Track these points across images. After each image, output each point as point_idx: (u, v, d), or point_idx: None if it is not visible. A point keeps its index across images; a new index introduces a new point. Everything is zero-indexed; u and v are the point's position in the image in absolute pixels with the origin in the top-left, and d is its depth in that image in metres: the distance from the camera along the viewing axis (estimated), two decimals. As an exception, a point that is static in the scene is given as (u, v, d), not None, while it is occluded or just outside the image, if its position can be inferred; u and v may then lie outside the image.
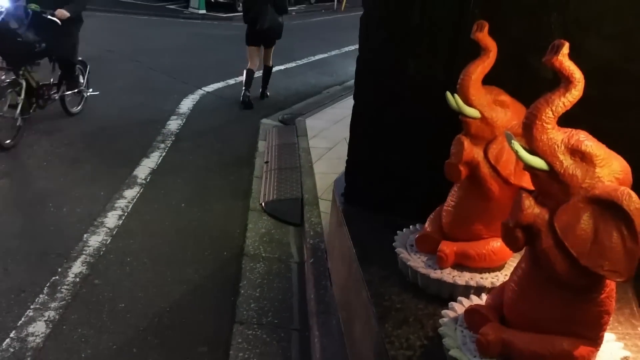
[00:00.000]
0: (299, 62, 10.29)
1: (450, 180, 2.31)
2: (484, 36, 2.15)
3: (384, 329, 2.11)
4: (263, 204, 4.48)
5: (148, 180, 4.79)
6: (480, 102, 2.16)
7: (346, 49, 11.93)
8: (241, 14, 16.28)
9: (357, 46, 3.14)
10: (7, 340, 2.77)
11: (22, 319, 2.93)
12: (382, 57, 2.96)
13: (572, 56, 1.50)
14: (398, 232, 2.59)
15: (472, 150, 2.18)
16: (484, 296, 2.09)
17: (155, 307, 3.13)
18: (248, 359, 2.75)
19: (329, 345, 2.79)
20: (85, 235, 3.79)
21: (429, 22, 2.76)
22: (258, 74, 7.71)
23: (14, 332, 2.83)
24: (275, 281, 3.44)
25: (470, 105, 2.16)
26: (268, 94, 7.94)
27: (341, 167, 3.45)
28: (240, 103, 7.36)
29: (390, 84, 2.95)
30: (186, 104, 7.20)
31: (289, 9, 18.30)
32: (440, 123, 2.57)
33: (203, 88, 8.02)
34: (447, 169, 2.25)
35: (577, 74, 1.51)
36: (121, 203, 4.30)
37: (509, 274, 1.96)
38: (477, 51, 2.17)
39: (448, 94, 2.21)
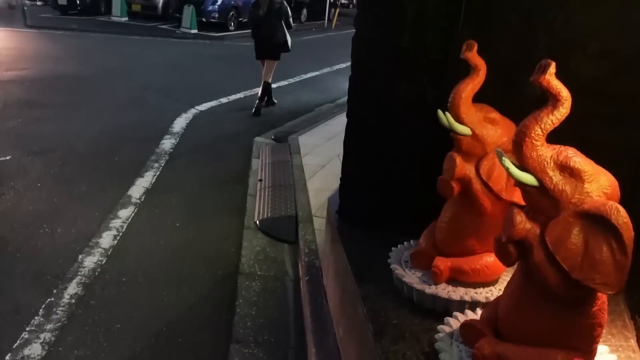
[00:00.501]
0: (291, 80, 10.37)
1: (443, 197, 2.35)
2: (473, 55, 2.20)
3: (381, 345, 2.12)
4: (257, 222, 4.50)
5: (143, 199, 4.80)
6: (471, 119, 2.21)
7: (337, 66, 12.07)
8: (232, 33, 16.58)
9: (348, 64, 3.19)
10: (3, 363, 2.76)
11: (18, 341, 2.92)
12: (373, 76, 3.01)
13: (558, 74, 1.55)
14: (393, 248, 2.61)
15: (464, 167, 2.22)
16: (479, 311, 2.11)
17: (151, 327, 3.13)
18: (245, 377, 2.76)
19: (326, 362, 2.79)
20: (80, 256, 3.78)
21: (419, 42, 2.82)
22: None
23: (9, 355, 2.82)
24: (271, 299, 3.45)
25: (461, 122, 2.21)
26: (261, 112, 8.06)
27: (335, 184, 3.48)
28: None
29: (383, 102, 3.00)
30: (179, 123, 7.23)
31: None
32: (433, 140, 2.61)
33: (196, 107, 8.06)
34: (440, 186, 2.28)
35: (564, 93, 1.55)
36: (116, 223, 4.31)
37: (502, 288, 1.99)
38: (466, 70, 2.23)
39: (439, 112, 2.26)
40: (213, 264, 3.86)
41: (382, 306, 2.36)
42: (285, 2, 8.11)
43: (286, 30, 7.95)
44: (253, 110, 7.98)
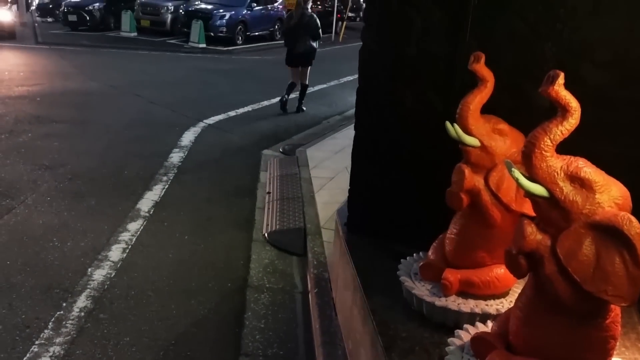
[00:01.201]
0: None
1: (452, 209, 2.34)
2: (481, 67, 2.20)
3: (391, 359, 2.11)
4: (266, 234, 4.50)
5: (151, 213, 4.82)
6: (480, 131, 2.20)
7: (345, 79, 12.11)
8: (240, 47, 16.77)
9: (355, 76, 3.20)
10: (12, 377, 2.76)
11: (28, 355, 2.92)
12: (380, 88, 3.02)
13: (567, 82, 1.55)
14: (402, 260, 2.60)
15: (472, 179, 2.21)
16: (490, 323, 2.09)
17: (160, 340, 3.12)
18: (254, 391, 2.74)
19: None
20: (89, 269, 3.79)
21: (426, 54, 2.83)
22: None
23: (18, 368, 2.83)
24: (280, 312, 3.44)
25: (469, 134, 2.20)
26: (304, 108, 9.14)
27: (343, 197, 3.48)
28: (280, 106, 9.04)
29: (390, 114, 3.01)
30: (188, 137, 7.27)
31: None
32: (441, 151, 2.61)
33: (204, 121, 8.11)
34: (449, 198, 2.27)
35: (574, 103, 1.55)
36: (125, 236, 4.32)
37: (513, 301, 1.97)
38: (474, 81, 2.23)
39: (448, 123, 2.25)
40: (222, 276, 3.86)
41: (391, 319, 2.34)
42: (314, 16, 8.98)
43: (310, 41, 8.79)
44: (295, 109, 9.07)
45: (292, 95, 9.10)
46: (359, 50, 3.07)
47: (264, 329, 3.24)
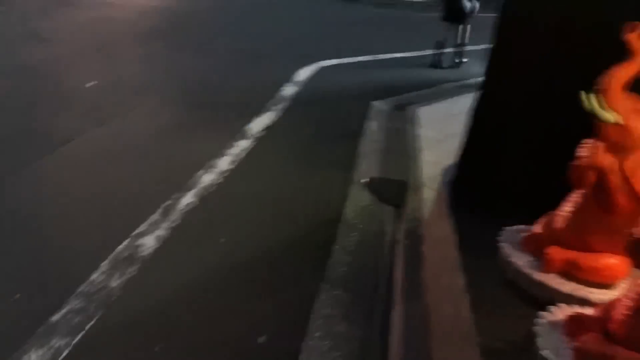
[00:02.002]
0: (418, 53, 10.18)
1: (573, 185, 2.24)
2: (635, 38, 2.03)
3: (474, 317, 2.11)
4: (366, 180, 4.53)
5: (260, 136, 5.04)
6: (618, 107, 2.05)
7: (470, 48, 11.60)
8: None
9: (482, 47, 3.06)
10: (122, 246, 3.11)
11: (137, 229, 3.29)
12: (516, 56, 2.89)
13: None
14: (505, 227, 2.55)
15: (604, 157, 2.09)
16: (588, 309, 2.02)
17: (251, 248, 3.32)
18: (330, 316, 2.84)
19: (412, 323, 2.80)
20: (199, 172, 4.11)
21: (569, 22, 2.65)
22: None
23: (127, 240, 3.17)
24: (368, 253, 3.48)
25: (609, 109, 2.06)
26: (465, 60, 9.59)
27: (448, 159, 3.41)
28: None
29: (522, 82, 2.88)
30: (303, 74, 7.40)
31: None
32: (568, 127, 2.46)
33: (323, 62, 8.17)
34: (574, 173, 2.17)
35: None
36: (233, 151, 4.58)
37: (618, 294, 1.88)
38: (619, 54, 2.06)
39: (583, 94, 2.11)
40: (317, 209, 3.96)
41: (481, 281, 2.33)
42: None
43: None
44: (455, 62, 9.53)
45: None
46: (496, 17, 2.93)
47: (350, 263, 3.32)
